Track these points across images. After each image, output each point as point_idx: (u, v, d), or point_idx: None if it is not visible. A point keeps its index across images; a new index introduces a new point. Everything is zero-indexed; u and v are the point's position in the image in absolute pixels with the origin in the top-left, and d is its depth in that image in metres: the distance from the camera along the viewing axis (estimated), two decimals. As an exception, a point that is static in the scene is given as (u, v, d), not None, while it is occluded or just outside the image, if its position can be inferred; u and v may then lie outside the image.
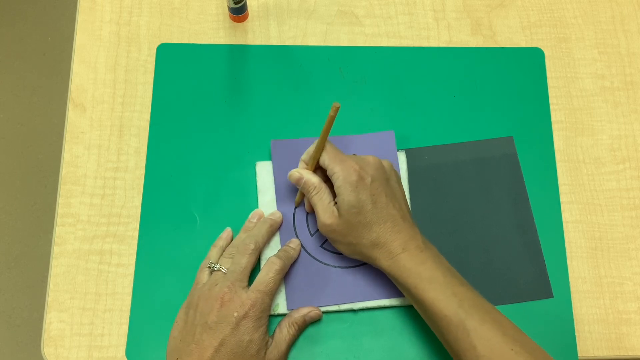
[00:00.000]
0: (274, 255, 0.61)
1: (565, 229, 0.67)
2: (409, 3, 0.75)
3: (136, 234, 0.65)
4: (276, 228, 0.64)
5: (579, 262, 0.66)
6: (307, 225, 0.65)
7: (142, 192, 0.67)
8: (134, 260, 0.65)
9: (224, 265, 0.59)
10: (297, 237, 0.64)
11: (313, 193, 0.60)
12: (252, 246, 0.60)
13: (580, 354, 0.63)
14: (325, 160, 0.59)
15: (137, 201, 0.67)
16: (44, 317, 0.63)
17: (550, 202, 0.68)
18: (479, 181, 0.68)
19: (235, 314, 0.55)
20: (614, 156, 0.70)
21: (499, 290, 0.64)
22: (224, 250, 0.62)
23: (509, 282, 0.64)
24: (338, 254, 0.64)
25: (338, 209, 0.58)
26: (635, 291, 0.65)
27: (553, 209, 0.67)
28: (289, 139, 0.67)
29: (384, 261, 0.58)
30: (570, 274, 0.65)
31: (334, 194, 0.60)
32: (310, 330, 0.62)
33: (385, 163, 0.62)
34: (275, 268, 0.59)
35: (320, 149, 0.60)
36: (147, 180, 0.67)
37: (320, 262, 0.63)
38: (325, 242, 0.64)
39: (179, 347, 0.56)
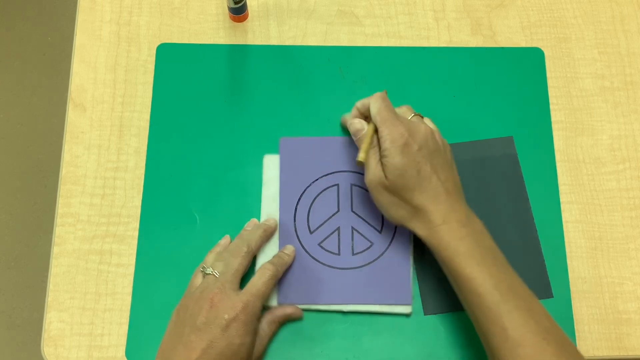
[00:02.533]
0: (268, 262, 0.61)
1: (565, 229, 0.67)
2: (409, 3, 0.75)
3: (136, 234, 0.65)
4: (270, 233, 0.64)
5: (579, 262, 0.66)
6: (307, 222, 0.65)
7: (142, 192, 0.67)
8: (134, 260, 0.65)
9: (217, 269, 0.59)
10: (296, 232, 0.64)
11: (371, 146, 0.60)
12: (245, 249, 0.60)
13: (580, 354, 0.63)
14: (377, 120, 0.60)
15: (137, 201, 0.67)
16: (44, 317, 0.63)
17: (550, 202, 0.68)
18: (479, 181, 0.68)
19: (226, 316, 0.55)
20: (614, 156, 0.70)
21: (499, 290, 0.64)
22: None
23: (509, 282, 0.64)
24: (335, 254, 0.64)
25: (384, 170, 0.58)
26: (635, 291, 0.65)
27: (553, 209, 0.67)
28: (298, 137, 0.67)
29: (422, 230, 0.58)
30: (570, 274, 0.65)
31: None
32: (311, 330, 0.62)
33: (438, 136, 0.61)
34: (267, 274, 0.59)
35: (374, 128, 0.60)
36: (147, 180, 0.67)
37: (316, 260, 0.64)
38: (324, 240, 0.64)
39: (167, 347, 0.56)
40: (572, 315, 0.64)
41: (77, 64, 0.72)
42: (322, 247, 0.64)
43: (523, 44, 0.74)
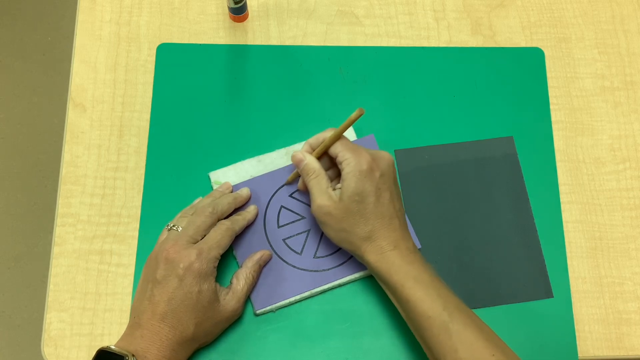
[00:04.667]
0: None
1: (565, 229, 0.67)
2: (409, 3, 0.75)
3: (136, 234, 0.65)
4: (240, 201, 0.64)
5: (579, 262, 0.66)
6: (278, 217, 0.65)
7: (142, 192, 0.67)
8: (134, 260, 0.65)
9: (180, 225, 0.60)
10: (264, 224, 0.65)
11: (312, 177, 0.60)
12: (210, 209, 0.60)
13: (580, 354, 0.63)
14: (338, 147, 0.60)
15: (137, 201, 0.67)
16: (44, 317, 0.63)
17: (550, 202, 0.68)
18: (479, 181, 0.68)
19: (181, 265, 0.56)
20: (614, 156, 0.70)
21: (499, 290, 0.64)
22: None
23: (509, 282, 0.64)
24: (297, 253, 0.64)
25: (341, 194, 0.58)
26: (635, 291, 0.65)
27: (553, 209, 0.67)
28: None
29: (372, 255, 0.58)
30: (570, 274, 0.65)
31: (332, 184, 0.62)
32: (311, 330, 0.62)
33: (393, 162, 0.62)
34: (223, 227, 0.60)
35: (335, 139, 0.60)
36: (147, 180, 0.67)
37: (277, 255, 0.64)
38: (289, 238, 0.64)
39: (136, 305, 0.58)
40: (572, 315, 0.64)
41: (77, 64, 0.72)
42: (285, 243, 0.64)
43: (523, 44, 0.74)
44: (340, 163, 0.59)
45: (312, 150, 0.62)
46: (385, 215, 0.58)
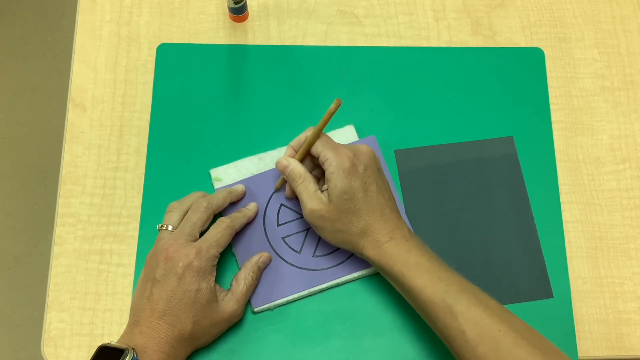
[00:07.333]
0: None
1: (565, 229, 0.67)
2: (409, 3, 0.75)
3: (136, 234, 0.65)
4: (235, 196, 0.64)
5: (579, 262, 0.66)
6: (277, 215, 0.65)
7: (142, 192, 0.67)
8: (134, 260, 0.65)
9: (170, 221, 0.60)
10: (264, 223, 0.65)
11: (298, 182, 0.60)
12: (205, 204, 0.61)
13: (580, 354, 0.63)
14: (318, 147, 0.60)
15: (137, 201, 0.67)
16: (44, 317, 0.63)
17: (550, 202, 0.68)
18: (479, 181, 0.68)
19: (180, 264, 0.56)
20: (614, 156, 0.70)
21: (499, 290, 0.64)
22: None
23: (509, 282, 0.64)
24: (296, 252, 0.64)
25: (329, 195, 0.59)
26: (635, 291, 0.65)
27: (553, 209, 0.67)
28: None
29: (370, 250, 0.58)
30: (570, 274, 0.65)
31: (319, 184, 0.62)
32: (310, 330, 0.62)
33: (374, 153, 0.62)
34: (223, 225, 0.60)
35: (315, 138, 0.60)
36: (147, 180, 0.67)
37: (276, 253, 0.64)
38: (288, 236, 0.64)
39: (135, 304, 0.58)
40: (572, 315, 0.64)
41: (77, 64, 0.72)
42: (284, 241, 0.64)
43: (523, 44, 0.74)
44: (323, 163, 0.59)
45: (294, 152, 0.62)
46: (376, 207, 0.59)
